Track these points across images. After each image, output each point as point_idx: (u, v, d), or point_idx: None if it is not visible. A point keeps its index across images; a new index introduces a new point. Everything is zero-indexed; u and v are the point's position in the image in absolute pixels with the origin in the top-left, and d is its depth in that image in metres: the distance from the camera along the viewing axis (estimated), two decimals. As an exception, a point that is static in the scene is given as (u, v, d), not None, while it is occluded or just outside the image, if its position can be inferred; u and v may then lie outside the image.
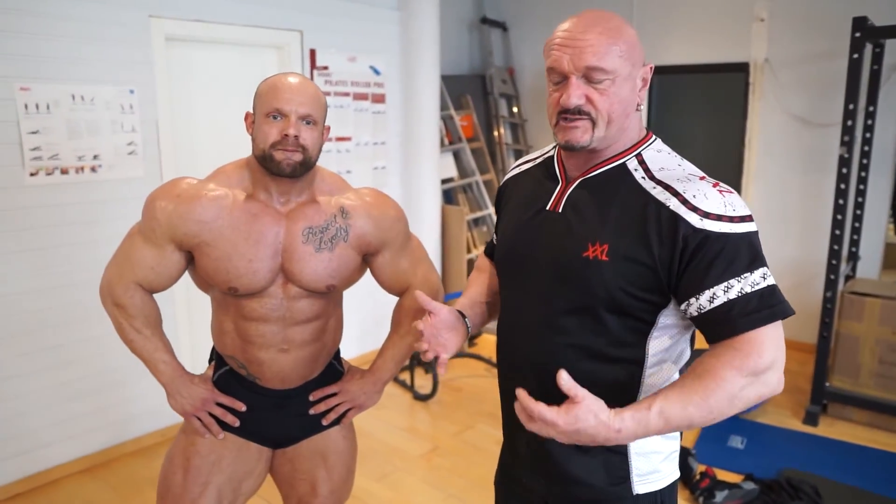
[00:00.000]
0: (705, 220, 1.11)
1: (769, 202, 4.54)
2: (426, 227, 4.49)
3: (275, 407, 1.67)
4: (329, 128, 1.57)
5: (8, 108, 2.70)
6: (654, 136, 1.29)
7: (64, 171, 2.87)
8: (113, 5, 2.94)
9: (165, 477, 1.65)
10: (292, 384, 1.66)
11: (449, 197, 5.01)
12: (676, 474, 1.35)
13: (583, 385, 1.24)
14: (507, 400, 1.42)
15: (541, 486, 1.39)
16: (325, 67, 3.88)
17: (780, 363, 1.11)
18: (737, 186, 4.60)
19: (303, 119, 1.46)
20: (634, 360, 1.22)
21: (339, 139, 4.04)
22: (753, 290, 1.10)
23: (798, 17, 4.24)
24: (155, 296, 1.61)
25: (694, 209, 1.12)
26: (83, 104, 2.89)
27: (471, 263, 4.71)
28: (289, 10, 3.66)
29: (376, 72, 4.18)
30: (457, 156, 5.10)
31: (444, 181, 4.87)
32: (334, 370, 1.77)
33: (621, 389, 1.24)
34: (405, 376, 4.12)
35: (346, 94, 4.03)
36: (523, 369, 1.34)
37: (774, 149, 4.46)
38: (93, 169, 2.95)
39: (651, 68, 1.23)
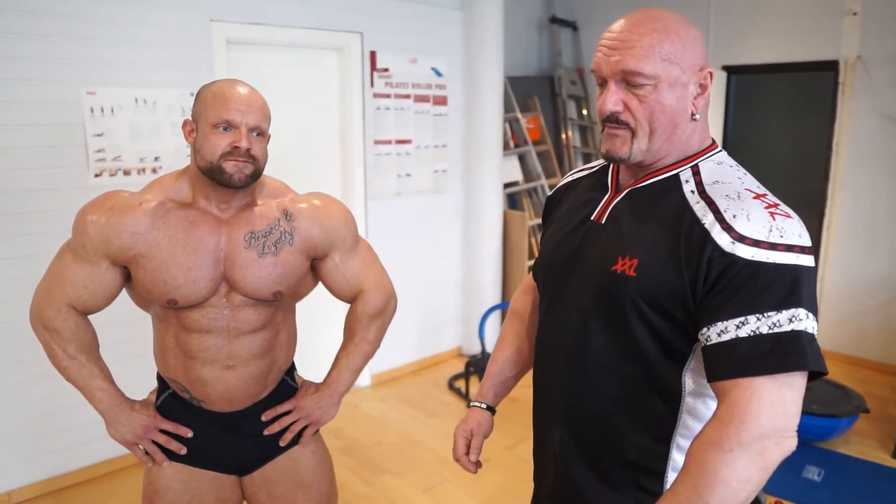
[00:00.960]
0: (738, 244, 0.97)
1: (858, 211, 4.18)
2: (487, 232, 4.40)
3: (225, 431, 1.58)
4: (270, 136, 1.50)
5: (75, 112, 2.80)
6: (718, 147, 1.16)
7: (126, 173, 2.95)
8: (175, 11, 3.00)
9: None
10: (241, 405, 1.56)
11: (513, 201, 4.90)
12: None
13: (618, 414, 1.14)
14: (539, 422, 1.33)
15: None
16: (386, 69, 3.85)
17: (783, 428, 0.94)
18: (822, 194, 4.27)
19: (252, 130, 1.40)
20: (672, 392, 1.10)
21: (399, 142, 4.01)
22: (771, 332, 0.94)
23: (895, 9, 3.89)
24: None
25: (728, 229, 0.99)
26: (145, 107, 2.96)
27: (532, 270, 4.57)
28: (349, 12, 3.65)
29: (438, 73, 4.12)
30: (522, 159, 4.97)
31: (508, 185, 4.76)
32: (287, 387, 1.66)
33: (657, 421, 1.12)
34: (460, 384, 4.04)
35: (407, 97, 3.99)
36: (553, 393, 1.25)
37: (865, 154, 4.11)
38: (153, 170, 3.02)
39: (710, 73, 1.10)
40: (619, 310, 1.09)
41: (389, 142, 3.96)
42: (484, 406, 1.45)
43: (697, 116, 1.11)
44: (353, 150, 3.81)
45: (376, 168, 3.92)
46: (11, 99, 2.65)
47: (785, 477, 3.03)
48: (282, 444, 1.62)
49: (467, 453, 1.41)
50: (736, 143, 5.21)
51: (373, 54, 3.78)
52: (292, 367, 1.70)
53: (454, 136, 4.31)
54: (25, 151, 2.71)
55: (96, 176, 2.87)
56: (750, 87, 5.47)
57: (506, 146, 4.76)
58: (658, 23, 1.06)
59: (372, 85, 3.81)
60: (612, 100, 1.08)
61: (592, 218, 1.19)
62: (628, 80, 1.06)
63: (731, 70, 4.60)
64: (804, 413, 3.26)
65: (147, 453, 1.55)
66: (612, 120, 1.09)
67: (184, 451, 1.56)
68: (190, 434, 1.55)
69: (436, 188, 4.26)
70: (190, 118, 1.45)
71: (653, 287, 1.05)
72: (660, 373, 1.09)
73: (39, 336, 1.50)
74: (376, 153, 3.91)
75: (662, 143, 1.10)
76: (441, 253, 4.37)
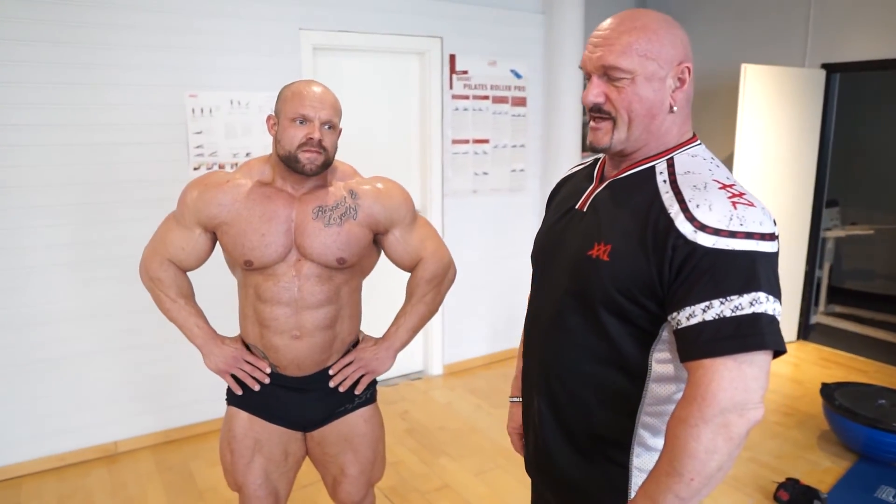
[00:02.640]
0: (699, 233, 1.04)
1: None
2: (563, 231, 4.44)
3: (295, 392, 1.79)
4: (341, 129, 1.69)
5: (179, 113, 3.19)
6: (697, 141, 1.24)
7: (221, 167, 3.31)
8: (268, 21, 3.33)
9: (220, 455, 1.87)
10: (308, 371, 1.77)
11: (595, 202, 4.90)
12: None
13: (587, 389, 1.24)
14: (525, 394, 1.44)
15: (543, 486, 1.39)
16: (465, 72, 4.02)
17: (745, 402, 1.01)
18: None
19: (324, 124, 1.61)
20: (637, 371, 1.18)
21: (477, 141, 4.16)
22: (733, 315, 1.01)
23: None
24: None
25: (691, 219, 1.06)
26: (239, 108, 3.31)
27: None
28: (430, 18, 3.85)
29: (517, 75, 4.23)
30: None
31: (589, 185, 4.76)
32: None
33: (625, 398, 1.20)
34: (529, 379, 4.12)
35: (485, 98, 4.13)
36: (534, 367, 1.36)
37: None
38: (245, 165, 3.36)
39: (688, 68, 1.17)
40: (590, 291, 1.17)
41: (467, 141, 4.12)
42: (520, 400, 1.57)
43: (675, 109, 1.18)
44: (432, 149, 4.01)
45: (454, 166, 4.09)
46: (125, 101, 3.08)
47: (854, 495, 2.89)
48: (341, 390, 1.81)
49: (523, 447, 1.57)
50: (840, 145, 4.91)
51: (452, 58, 3.96)
52: (358, 341, 1.90)
53: (533, 136, 4.40)
54: (136, 147, 3.13)
55: (195, 169, 3.24)
56: (856, 86, 5.13)
57: (588, 146, 4.77)
58: (638, 21, 1.15)
59: (451, 87, 3.99)
60: (594, 92, 1.18)
61: (577, 207, 1.29)
62: (609, 74, 1.16)
63: (831, 68, 4.36)
64: (885, 431, 3.06)
65: (236, 380, 1.79)
66: (595, 111, 1.20)
67: (257, 387, 1.78)
68: (268, 370, 1.78)
69: (513, 187, 4.37)
70: (273, 114, 1.69)
71: (623, 272, 1.13)
72: (626, 352, 1.17)
73: (146, 285, 1.79)
74: (454, 152, 4.08)
75: (641, 132, 1.18)
76: (516, 250, 4.47)
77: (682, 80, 1.17)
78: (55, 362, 3.11)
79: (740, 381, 1.00)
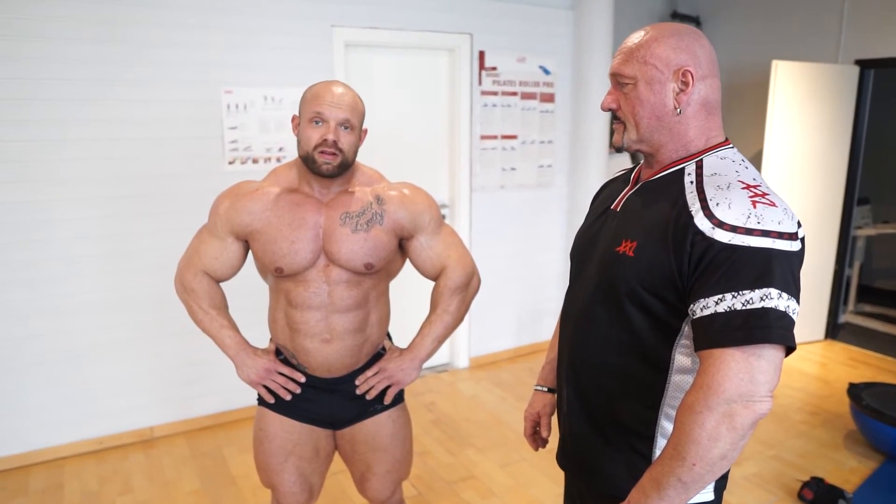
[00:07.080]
0: (717, 230, 1.08)
1: None
2: (590, 227, 4.46)
3: (325, 393, 1.83)
4: (366, 130, 1.71)
5: (215, 108, 3.27)
6: (729, 145, 1.27)
7: (255, 161, 3.39)
8: (301, 18, 3.39)
9: (253, 454, 1.92)
10: (338, 373, 1.81)
11: (622, 198, 4.90)
12: (709, 497, 1.29)
13: (612, 379, 1.29)
14: (558, 384, 1.49)
15: (572, 473, 1.45)
16: (494, 68, 4.05)
17: (751, 393, 1.03)
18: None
19: (341, 124, 1.62)
20: (660, 363, 1.22)
21: (505, 137, 4.19)
22: (744, 308, 1.04)
23: None
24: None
25: (710, 216, 1.10)
26: (273, 104, 3.38)
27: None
28: (460, 15, 3.88)
29: (546, 72, 4.25)
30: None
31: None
32: (380, 358, 1.89)
33: (647, 390, 1.25)
34: (554, 373, 4.16)
35: (514, 94, 4.16)
36: (565, 357, 1.42)
37: None
38: (278, 159, 3.44)
39: (685, 72, 1.20)
40: (616, 285, 1.23)
41: (495, 137, 4.15)
42: (545, 389, 1.63)
43: (680, 111, 1.22)
44: (461, 145, 4.05)
45: (482, 162, 4.13)
46: (163, 98, 3.17)
47: (883, 496, 2.89)
48: (368, 398, 1.84)
49: (533, 434, 1.63)
50: (873, 142, 4.84)
51: (481, 54, 3.99)
52: (385, 348, 1.91)
53: (561, 132, 4.42)
54: (173, 142, 3.22)
55: (230, 163, 3.33)
56: (890, 81, 5.05)
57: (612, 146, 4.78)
58: (649, 34, 1.22)
59: (480, 83, 4.02)
60: (607, 99, 1.28)
61: (612, 208, 1.35)
62: (618, 81, 1.25)
63: (865, 64, 4.31)
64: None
65: (269, 390, 1.81)
66: (613, 116, 1.28)
67: (289, 397, 1.82)
68: (302, 380, 1.81)
69: (540, 182, 4.39)
70: (297, 114, 1.72)
71: (646, 267, 1.18)
72: (650, 345, 1.21)
73: (181, 296, 1.82)
74: (482, 147, 4.12)
75: (651, 133, 1.24)
76: (543, 245, 4.50)
77: (685, 83, 1.21)
78: (94, 350, 3.22)
79: (747, 372, 1.03)
